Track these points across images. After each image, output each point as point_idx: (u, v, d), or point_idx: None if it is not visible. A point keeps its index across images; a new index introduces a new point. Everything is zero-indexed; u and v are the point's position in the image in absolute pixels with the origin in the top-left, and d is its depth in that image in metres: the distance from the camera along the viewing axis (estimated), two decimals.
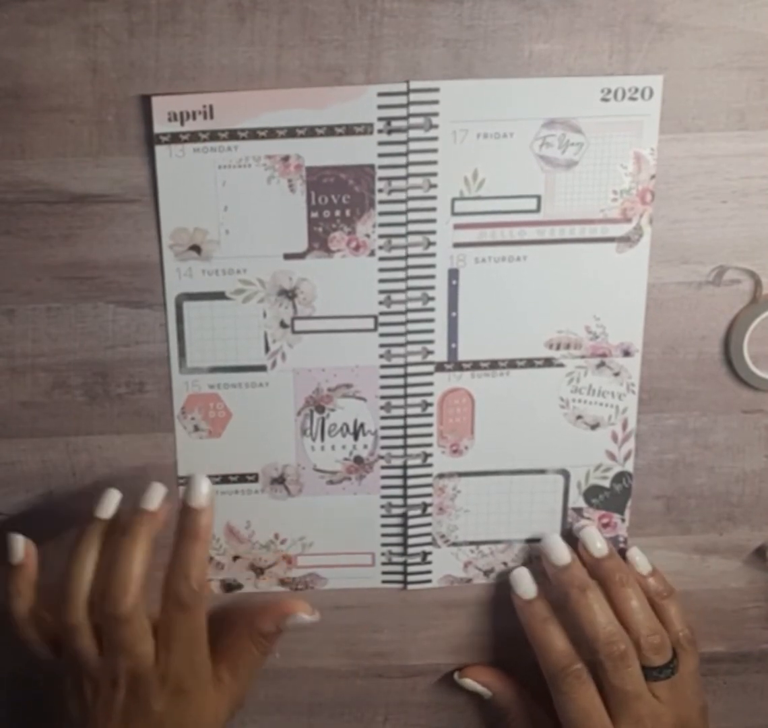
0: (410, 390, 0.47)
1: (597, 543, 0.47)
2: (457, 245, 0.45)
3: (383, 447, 0.48)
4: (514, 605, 0.48)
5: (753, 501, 0.50)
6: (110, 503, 0.44)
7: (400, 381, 0.47)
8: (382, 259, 0.45)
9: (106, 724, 0.42)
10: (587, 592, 0.45)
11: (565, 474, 0.49)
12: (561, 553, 0.47)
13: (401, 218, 0.45)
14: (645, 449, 0.49)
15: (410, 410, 0.48)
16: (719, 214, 0.46)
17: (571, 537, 0.49)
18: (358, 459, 0.48)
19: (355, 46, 0.43)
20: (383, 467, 0.48)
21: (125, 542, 0.42)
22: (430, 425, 0.48)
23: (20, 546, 0.44)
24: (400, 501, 0.49)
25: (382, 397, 0.47)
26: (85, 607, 0.42)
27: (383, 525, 0.49)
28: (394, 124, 0.43)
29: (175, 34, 0.42)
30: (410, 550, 0.50)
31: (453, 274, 0.46)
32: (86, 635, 0.42)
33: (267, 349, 0.46)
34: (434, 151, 0.44)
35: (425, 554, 0.49)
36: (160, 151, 0.43)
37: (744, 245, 0.46)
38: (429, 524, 0.49)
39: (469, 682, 0.50)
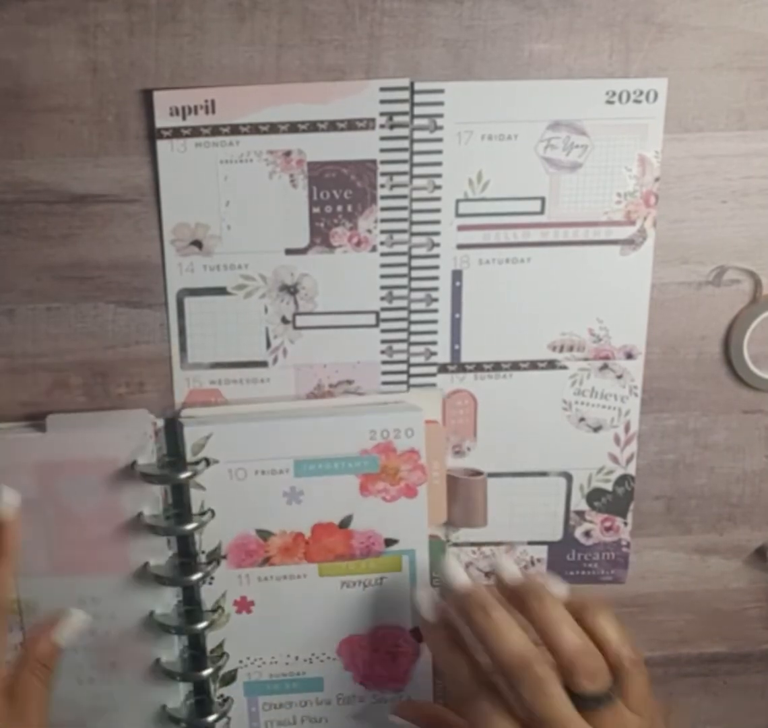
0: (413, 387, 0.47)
1: (509, 568, 0.41)
2: (461, 247, 0.45)
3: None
4: (421, 629, 0.44)
5: (753, 501, 0.50)
6: None
7: (402, 377, 0.47)
8: (383, 254, 0.45)
9: None
10: (492, 613, 0.39)
11: (568, 477, 0.49)
12: (460, 577, 0.42)
13: (403, 214, 0.45)
14: (645, 449, 0.49)
15: None
16: (719, 214, 0.46)
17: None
18: None
19: (355, 46, 0.43)
20: None
21: None
22: None
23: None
24: None
25: (384, 393, 0.47)
26: None
27: None
28: (396, 119, 0.43)
29: (175, 34, 0.42)
30: None
31: (456, 275, 0.46)
32: None
33: (268, 344, 0.46)
34: (439, 152, 0.44)
35: None
36: (162, 146, 0.43)
37: (744, 245, 0.46)
38: None
39: (398, 720, 0.46)
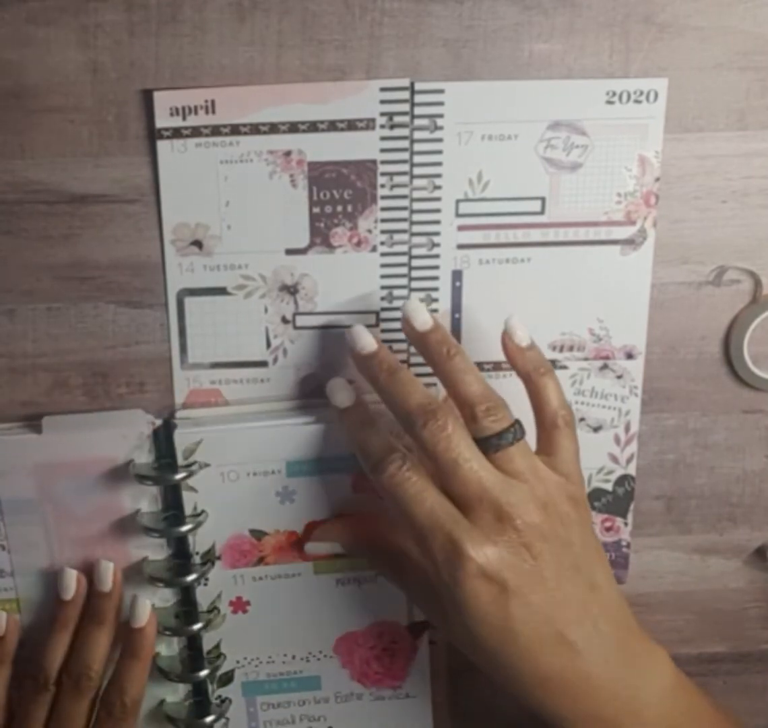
0: None
1: (421, 316, 0.41)
2: (461, 247, 0.45)
3: None
4: (334, 418, 0.43)
5: (753, 501, 0.50)
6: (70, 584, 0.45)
7: None
8: (384, 254, 0.45)
9: None
10: (397, 374, 0.40)
11: None
12: (366, 340, 0.42)
13: (403, 214, 0.45)
14: (645, 449, 0.49)
15: None
16: (719, 214, 0.46)
17: None
18: None
19: (355, 46, 0.43)
20: None
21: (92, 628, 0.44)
22: None
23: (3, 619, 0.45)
24: None
25: None
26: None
27: None
28: (397, 119, 0.43)
29: (175, 34, 0.42)
30: None
31: (457, 275, 0.46)
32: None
33: (268, 344, 0.46)
34: (439, 152, 0.44)
35: None
36: (162, 146, 0.43)
37: (744, 245, 0.46)
38: None
39: (314, 546, 0.46)
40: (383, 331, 0.46)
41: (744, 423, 0.49)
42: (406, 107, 0.43)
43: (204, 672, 0.47)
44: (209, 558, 0.47)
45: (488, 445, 0.39)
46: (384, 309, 0.46)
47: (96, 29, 0.42)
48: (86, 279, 0.45)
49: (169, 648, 0.48)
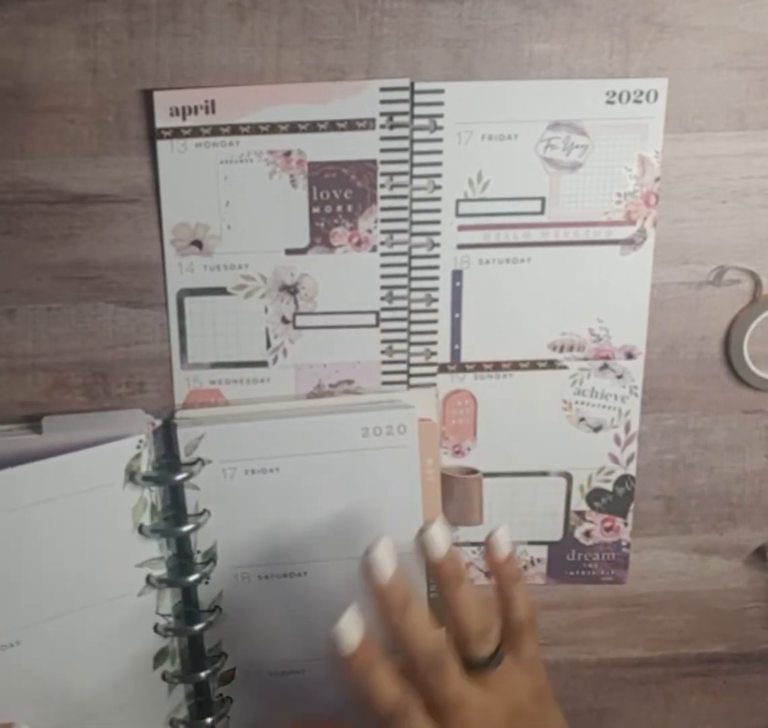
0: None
1: (438, 547, 0.42)
2: (461, 247, 0.45)
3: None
4: (336, 662, 0.42)
5: (753, 501, 0.50)
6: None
7: (403, 377, 0.47)
8: (383, 254, 0.45)
9: None
10: (409, 608, 0.41)
11: (568, 477, 0.49)
12: (385, 568, 0.42)
13: (403, 214, 0.45)
14: (645, 449, 0.49)
15: None
16: (719, 214, 0.46)
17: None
18: None
19: (355, 46, 0.43)
20: None
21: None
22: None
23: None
24: None
25: (384, 393, 0.47)
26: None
27: None
28: (396, 119, 0.43)
29: (175, 34, 0.42)
30: None
31: (457, 275, 0.46)
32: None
33: (268, 344, 0.46)
34: (439, 152, 0.44)
35: None
36: (162, 146, 0.43)
37: (744, 245, 0.46)
38: None
39: None
40: (383, 331, 0.46)
41: (744, 423, 0.49)
42: (406, 107, 0.43)
43: (205, 673, 0.47)
44: (211, 556, 0.47)
45: (477, 667, 0.42)
46: (384, 309, 0.46)
47: (96, 29, 0.42)
48: (86, 279, 0.45)
49: (170, 649, 0.48)
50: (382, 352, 0.47)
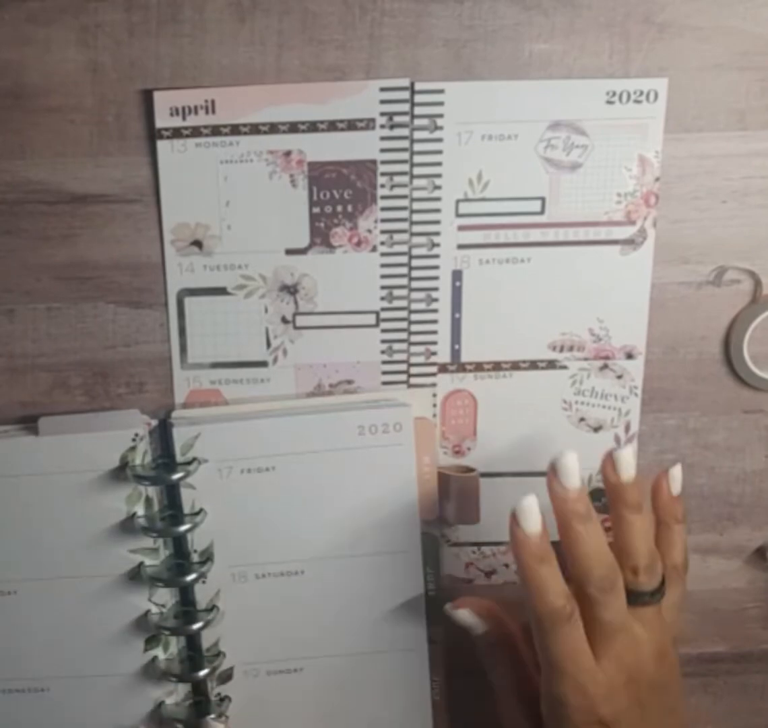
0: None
1: (629, 468, 0.43)
2: (461, 247, 0.45)
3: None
4: (512, 539, 0.42)
5: (753, 501, 0.50)
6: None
7: (403, 377, 0.47)
8: (384, 254, 0.45)
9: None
10: (589, 525, 0.42)
11: None
12: (573, 476, 0.42)
13: (403, 214, 0.45)
14: (645, 449, 0.49)
15: None
16: (719, 214, 0.46)
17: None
18: None
19: (355, 46, 0.43)
20: None
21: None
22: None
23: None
24: None
25: (380, 392, 0.47)
26: None
27: None
28: (397, 119, 0.43)
29: (175, 34, 0.42)
30: None
31: (457, 275, 0.46)
32: None
33: (268, 344, 0.46)
34: (439, 152, 0.44)
35: None
36: (162, 146, 0.43)
37: (744, 245, 0.46)
38: None
39: (464, 614, 0.47)
40: (383, 331, 0.46)
41: (744, 423, 0.49)
42: (406, 107, 0.43)
43: (203, 672, 0.47)
44: (208, 555, 0.47)
45: (637, 598, 0.43)
46: (384, 309, 0.46)
47: (96, 29, 0.42)
48: (86, 279, 0.45)
49: (168, 649, 0.48)
50: (382, 352, 0.47)
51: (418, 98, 0.43)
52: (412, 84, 0.43)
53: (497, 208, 0.45)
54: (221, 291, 0.46)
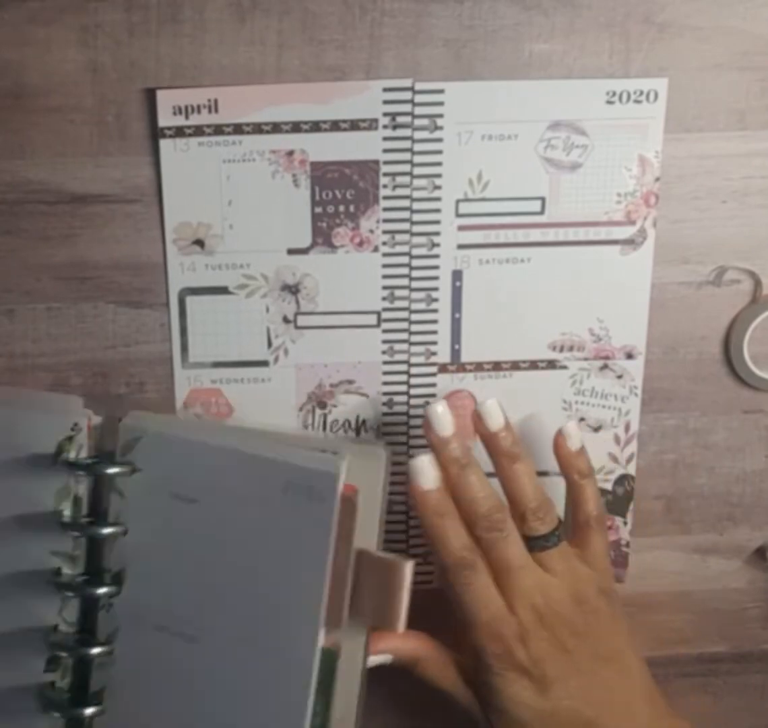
0: (413, 388, 0.47)
1: (496, 418, 0.44)
2: (461, 247, 0.45)
3: (385, 444, 0.48)
4: (412, 496, 0.43)
5: (753, 501, 0.50)
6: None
7: (403, 378, 0.47)
8: (385, 254, 0.45)
9: None
10: (467, 469, 0.43)
11: None
12: (444, 424, 0.43)
13: (405, 214, 0.45)
14: (645, 449, 0.49)
15: (412, 411, 0.48)
16: (719, 214, 0.46)
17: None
18: None
19: (355, 46, 0.43)
20: None
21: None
22: None
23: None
24: (402, 499, 0.49)
25: (385, 393, 0.47)
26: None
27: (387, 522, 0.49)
28: (399, 119, 0.43)
29: (175, 34, 0.42)
30: (412, 551, 0.49)
31: (457, 275, 0.46)
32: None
33: (269, 344, 0.46)
34: (439, 152, 0.44)
35: (426, 554, 0.49)
36: (165, 145, 0.43)
37: (744, 245, 0.46)
38: None
39: (373, 660, 0.43)
40: (384, 331, 0.46)
41: (744, 423, 0.49)
42: (408, 108, 0.43)
43: (90, 710, 0.43)
44: (119, 580, 0.43)
45: (534, 544, 0.43)
46: (385, 309, 0.46)
47: (96, 29, 0.42)
48: (86, 279, 0.45)
49: (65, 677, 0.44)
50: (383, 352, 0.47)
51: (418, 98, 0.43)
52: (413, 84, 0.43)
53: (497, 208, 0.45)
54: (223, 290, 0.46)
